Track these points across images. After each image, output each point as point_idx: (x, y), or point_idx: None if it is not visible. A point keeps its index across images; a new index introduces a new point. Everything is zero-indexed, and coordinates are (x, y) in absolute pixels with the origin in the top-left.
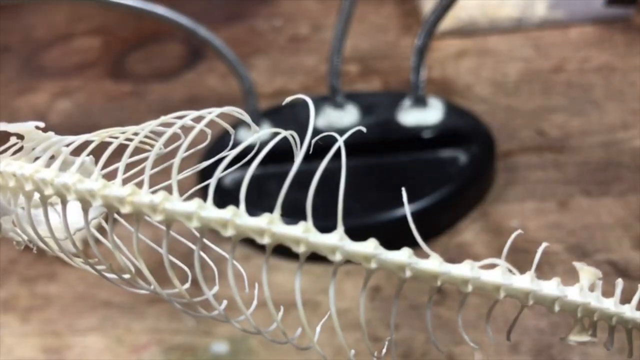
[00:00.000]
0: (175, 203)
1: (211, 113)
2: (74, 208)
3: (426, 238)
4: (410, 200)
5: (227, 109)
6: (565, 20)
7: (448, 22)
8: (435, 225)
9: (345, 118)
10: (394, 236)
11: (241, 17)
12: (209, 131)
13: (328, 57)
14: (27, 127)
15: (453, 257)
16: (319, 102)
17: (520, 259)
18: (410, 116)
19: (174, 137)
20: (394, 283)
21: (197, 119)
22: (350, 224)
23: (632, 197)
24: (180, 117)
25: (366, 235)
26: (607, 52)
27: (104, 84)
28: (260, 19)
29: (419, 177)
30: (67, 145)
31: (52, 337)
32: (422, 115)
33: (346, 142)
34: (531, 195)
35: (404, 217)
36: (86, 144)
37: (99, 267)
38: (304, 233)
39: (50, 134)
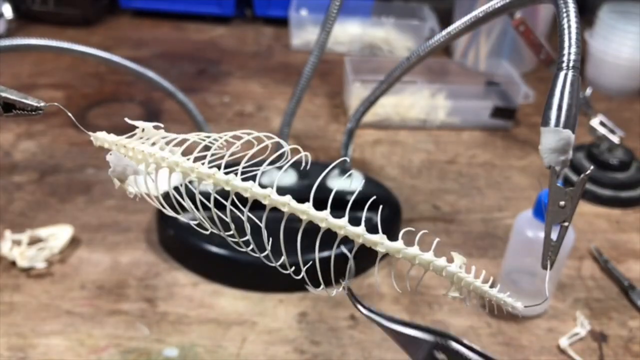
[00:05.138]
0: (237, 181)
1: (270, 137)
2: (173, 178)
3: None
4: (334, 247)
5: (269, 135)
6: (459, 125)
7: (368, 116)
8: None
9: (286, 179)
10: (322, 271)
11: (195, 91)
12: (256, 142)
13: (278, 129)
14: (147, 125)
15: (365, 294)
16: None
17: (417, 299)
18: (337, 183)
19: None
20: (318, 310)
21: (257, 138)
22: (289, 261)
23: (501, 260)
24: (248, 133)
25: (301, 269)
26: (490, 152)
27: (66, 131)
28: (211, 94)
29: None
30: (172, 140)
31: (16, 338)
32: (347, 183)
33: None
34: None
35: (329, 258)
36: (184, 140)
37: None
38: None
39: (161, 131)
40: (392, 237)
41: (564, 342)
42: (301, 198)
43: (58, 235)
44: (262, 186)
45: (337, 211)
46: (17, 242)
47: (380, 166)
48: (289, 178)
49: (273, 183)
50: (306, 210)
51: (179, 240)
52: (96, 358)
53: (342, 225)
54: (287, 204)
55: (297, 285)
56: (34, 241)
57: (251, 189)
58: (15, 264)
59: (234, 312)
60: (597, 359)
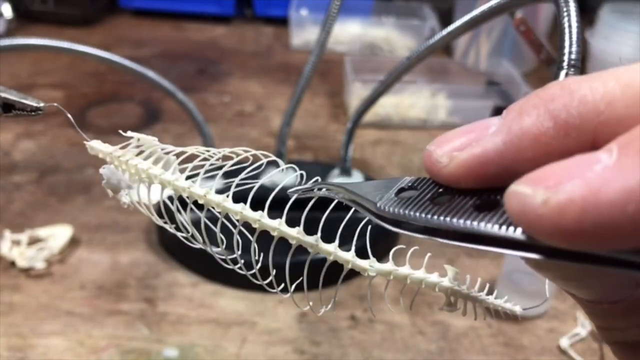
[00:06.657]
0: (229, 202)
1: (266, 156)
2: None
3: (346, 277)
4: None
5: (264, 153)
6: (460, 124)
7: (369, 116)
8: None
9: (285, 180)
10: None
11: (195, 90)
12: (251, 158)
13: (278, 129)
14: (143, 137)
15: (364, 294)
16: (266, 165)
17: (417, 299)
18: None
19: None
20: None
21: (254, 155)
22: (291, 261)
23: (502, 260)
24: (246, 151)
25: (300, 269)
26: None
27: (66, 131)
28: (211, 94)
29: (341, 229)
30: (168, 152)
31: (16, 338)
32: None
33: (288, 199)
34: (427, 253)
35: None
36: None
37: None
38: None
39: (156, 141)
40: (391, 238)
41: (564, 342)
42: (303, 199)
43: (57, 235)
44: (259, 198)
45: (337, 211)
46: (16, 242)
47: (381, 166)
48: (289, 180)
49: (271, 191)
50: (296, 237)
51: (178, 240)
52: (96, 358)
53: (331, 251)
54: (277, 228)
55: (297, 286)
56: (33, 241)
57: (242, 212)
58: (14, 264)
59: (233, 312)
60: (598, 359)
